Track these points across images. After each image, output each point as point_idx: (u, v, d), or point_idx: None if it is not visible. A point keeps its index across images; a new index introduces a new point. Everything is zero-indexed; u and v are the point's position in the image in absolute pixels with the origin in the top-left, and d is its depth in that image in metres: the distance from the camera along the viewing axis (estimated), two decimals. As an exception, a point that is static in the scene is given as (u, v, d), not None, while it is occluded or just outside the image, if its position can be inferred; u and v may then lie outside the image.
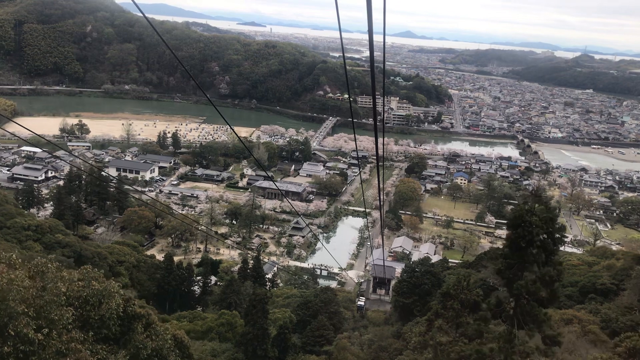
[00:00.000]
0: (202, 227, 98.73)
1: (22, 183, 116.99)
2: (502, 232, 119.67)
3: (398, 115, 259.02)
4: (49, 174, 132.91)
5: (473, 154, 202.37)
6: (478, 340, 11.74)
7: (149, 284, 69.06)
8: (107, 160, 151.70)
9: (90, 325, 11.37)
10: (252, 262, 77.25)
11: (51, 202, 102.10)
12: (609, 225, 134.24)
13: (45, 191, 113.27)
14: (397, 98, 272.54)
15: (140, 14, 9.27)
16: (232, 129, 29.82)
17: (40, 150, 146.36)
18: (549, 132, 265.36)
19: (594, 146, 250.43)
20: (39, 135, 19.53)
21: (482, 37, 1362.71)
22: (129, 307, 12.28)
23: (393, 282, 69.38)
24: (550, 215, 11.40)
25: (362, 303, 65.30)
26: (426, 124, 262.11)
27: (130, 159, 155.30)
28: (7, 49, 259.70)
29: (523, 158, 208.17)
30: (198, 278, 74.19)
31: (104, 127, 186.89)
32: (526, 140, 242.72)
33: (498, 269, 12.03)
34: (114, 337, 11.96)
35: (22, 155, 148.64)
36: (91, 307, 11.46)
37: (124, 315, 12.13)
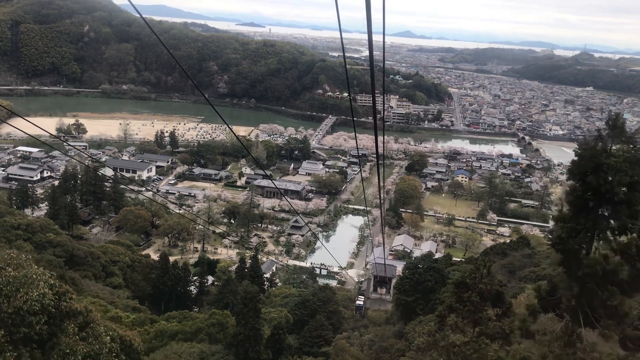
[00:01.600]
0: (202, 219, 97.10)
1: (17, 183, 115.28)
2: (504, 230, 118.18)
3: (398, 113, 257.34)
4: (45, 174, 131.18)
5: (474, 152, 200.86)
6: (500, 342, 9.10)
7: (144, 284, 67.41)
8: (103, 159, 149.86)
9: (2, 322, 9.01)
10: (249, 261, 75.52)
11: (46, 202, 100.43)
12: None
13: (40, 191, 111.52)
14: (397, 96, 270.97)
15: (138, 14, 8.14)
16: (230, 128, 28.24)
17: (36, 150, 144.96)
18: (550, 130, 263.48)
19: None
20: (43, 129, 17.50)
21: (481, 36, 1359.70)
22: (63, 301, 9.92)
23: (394, 281, 67.61)
24: (637, 156, 7.22)
25: (361, 302, 63.05)
26: (426, 122, 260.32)
27: (127, 159, 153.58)
28: (4, 49, 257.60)
29: (524, 155, 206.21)
30: (195, 278, 72.38)
31: (101, 127, 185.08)
32: (527, 138, 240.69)
33: (557, 236, 7.80)
34: (40, 339, 9.46)
35: (18, 155, 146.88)
36: (4, 299, 9.09)
37: (55, 312, 9.76)
